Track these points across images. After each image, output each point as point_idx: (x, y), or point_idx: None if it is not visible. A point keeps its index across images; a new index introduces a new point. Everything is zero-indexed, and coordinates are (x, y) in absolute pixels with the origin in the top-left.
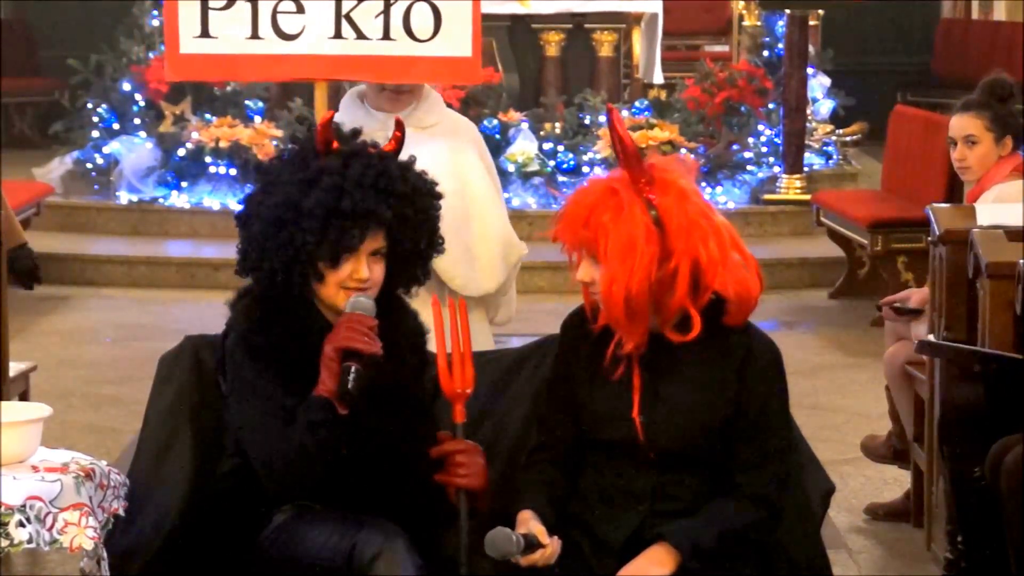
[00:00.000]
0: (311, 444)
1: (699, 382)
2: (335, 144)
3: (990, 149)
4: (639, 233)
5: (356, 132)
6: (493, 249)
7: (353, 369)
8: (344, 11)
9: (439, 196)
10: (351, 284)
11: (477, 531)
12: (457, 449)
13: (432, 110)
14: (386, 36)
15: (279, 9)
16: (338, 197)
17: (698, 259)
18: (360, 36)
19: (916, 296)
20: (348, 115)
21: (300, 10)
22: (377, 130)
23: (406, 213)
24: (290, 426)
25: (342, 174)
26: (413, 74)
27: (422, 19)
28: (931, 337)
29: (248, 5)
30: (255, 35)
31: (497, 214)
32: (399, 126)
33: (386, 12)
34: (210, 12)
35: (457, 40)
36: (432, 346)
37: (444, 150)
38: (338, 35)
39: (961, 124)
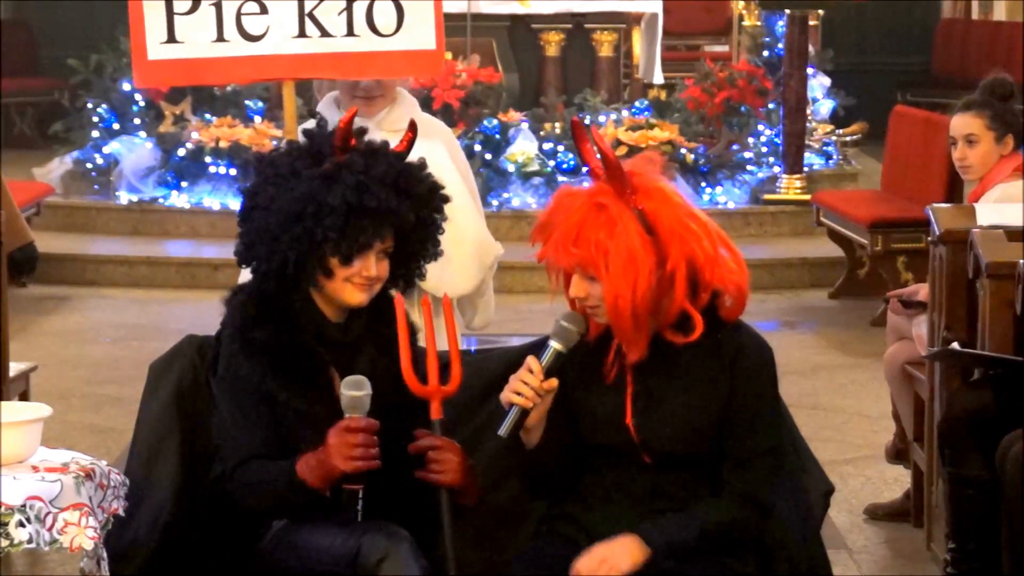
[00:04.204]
0: (284, 507)
1: (692, 383)
2: (352, 141)
3: (991, 148)
4: (636, 244)
5: (363, 131)
6: (467, 250)
7: (360, 493)
8: (307, 10)
9: (447, 199)
10: (358, 280)
11: (464, 528)
12: (431, 445)
13: (407, 114)
14: (350, 33)
15: (243, 11)
16: (362, 194)
17: (694, 258)
18: (324, 34)
19: (923, 290)
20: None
21: (264, 11)
22: None
23: (423, 214)
24: (272, 462)
25: (365, 172)
26: (378, 69)
27: (385, 14)
28: (955, 345)
29: (212, 9)
30: (220, 38)
31: (471, 216)
32: (412, 127)
33: (349, 9)
34: (175, 17)
35: (421, 33)
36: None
37: (417, 152)
38: (302, 34)
39: (962, 123)
